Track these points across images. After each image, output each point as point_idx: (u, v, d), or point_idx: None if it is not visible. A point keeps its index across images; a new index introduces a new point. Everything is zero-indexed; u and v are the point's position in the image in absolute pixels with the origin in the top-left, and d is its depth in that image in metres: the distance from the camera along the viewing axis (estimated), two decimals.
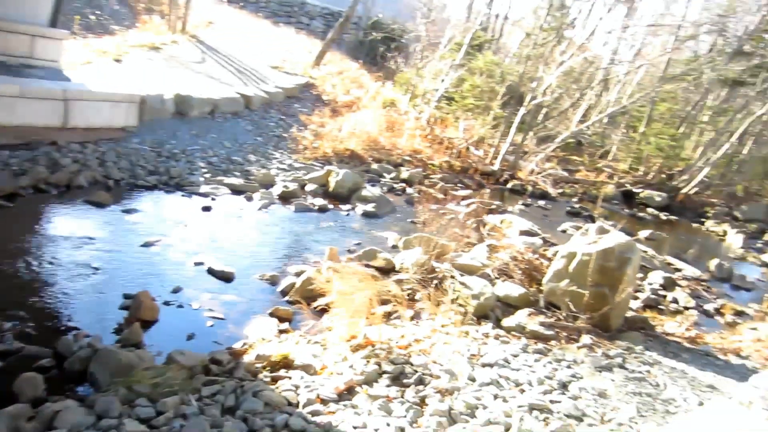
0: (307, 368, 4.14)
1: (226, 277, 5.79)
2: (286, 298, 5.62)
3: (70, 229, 6.08)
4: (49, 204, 6.69)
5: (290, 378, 3.98)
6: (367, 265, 6.48)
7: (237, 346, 4.50)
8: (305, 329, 4.95)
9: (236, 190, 8.62)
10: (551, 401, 3.83)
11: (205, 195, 8.12)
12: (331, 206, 9.07)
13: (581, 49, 17.49)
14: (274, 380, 3.95)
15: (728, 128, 20.41)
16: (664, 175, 19.75)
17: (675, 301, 7.32)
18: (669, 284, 7.93)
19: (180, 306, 5.06)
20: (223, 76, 14.25)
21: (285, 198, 8.86)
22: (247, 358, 4.24)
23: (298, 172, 10.29)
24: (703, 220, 16.73)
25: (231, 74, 14.76)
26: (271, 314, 5.19)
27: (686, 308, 7.15)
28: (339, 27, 19.51)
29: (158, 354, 4.18)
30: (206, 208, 7.69)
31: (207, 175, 8.79)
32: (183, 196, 7.99)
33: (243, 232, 7.23)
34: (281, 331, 4.90)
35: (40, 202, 6.69)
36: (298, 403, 3.62)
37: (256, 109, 13.08)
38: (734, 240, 14.61)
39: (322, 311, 5.25)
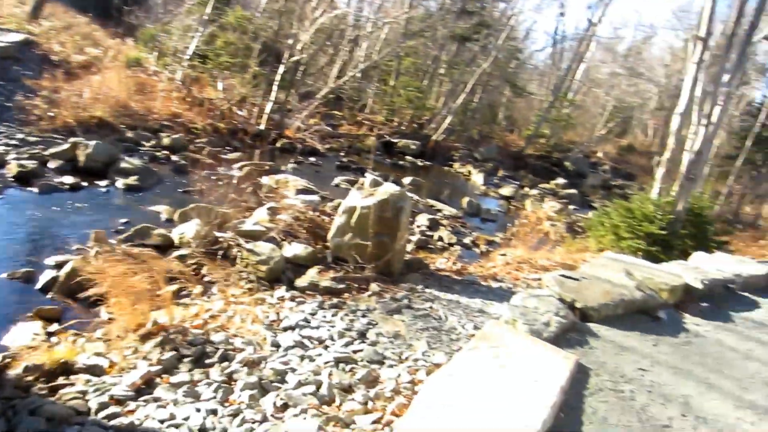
0: (92, 370, 3.69)
1: None
2: (49, 295, 4.92)
3: None
4: None
5: (74, 384, 3.51)
6: (142, 245, 5.95)
7: None
8: (81, 327, 4.39)
9: None
10: (354, 351, 4.03)
11: None
12: (85, 183, 8.03)
13: (331, 6, 17.93)
14: (54, 390, 3.45)
15: (462, 80, 23.15)
16: (415, 125, 21.69)
17: (441, 239, 8.25)
18: (434, 224, 8.88)
19: None
20: None
21: (23, 179, 7.57)
22: (13, 373, 3.61)
23: (34, 148, 8.80)
24: (451, 163, 18.95)
25: None
26: (34, 316, 4.49)
27: (450, 244, 8.11)
28: None
29: None
30: None
31: None
32: None
33: None
34: (50, 334, 4.28)
35: None
36: (90, 409, 3.23)
37: None
38: (477, 178, 16.89)
39: (98, 303, 4.69)
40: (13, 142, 8.84)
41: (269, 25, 18.85)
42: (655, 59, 36.61)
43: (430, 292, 5.26)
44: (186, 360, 3.79)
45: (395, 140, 19.06)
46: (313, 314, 4.65)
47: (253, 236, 6.14)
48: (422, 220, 8.90)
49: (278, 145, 14.34)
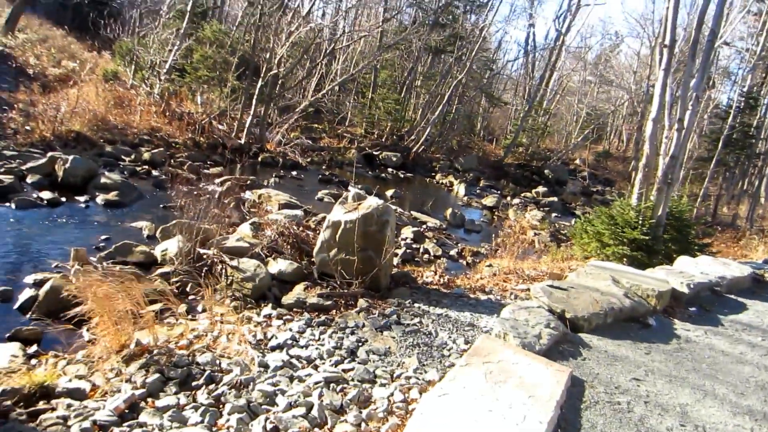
0: (74, 393, 3.57)
1: None
2: (29, 315, 4.77)
3: None
4: None
5: (55, 409, 3.39)
6: (124, 262, 5.83)
7: None
8: (61, 348, 4.25)
9: None
10: (344, 370, 3.94)
11: None
12: (63, 198, 7.88)
13: (306, 20, 17.95)
14: (34, 416, 3.32)
15: (438, 91, 23.29)
16: (395, 137, 21.72)
17: (426, 251, 8.18)
18: (419, 237, 8.81)
19: None
20: None
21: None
22: None
23: (11, 162, 8.64)
24: (432, 174, 18.97)
25: None
26: (12, 337, 4.35)
27: (436, 257, 8.05)
28: None
29: None
30: None
31: None
32: None
33: None
34: (30, 356, 4.14)
35: None
36: None
37: None
38: (459, 189, 16.91)
39: (79, 323, 4.55)
40: None
41: (246, 39, 18.78)
42: (624, 66, 37.37)
43: (418, 307, 5.20)
44: (171, 382, 3.68)
45: (376, 152, 19.05)
46: (301, 333, 4.55)
47: (237, 253, 6.05)
48: (407, 232, 8.84)
49: (259, 159, 14.22)
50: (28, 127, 10.18)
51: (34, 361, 4.07)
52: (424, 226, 10.11)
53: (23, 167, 8.42)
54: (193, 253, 5.95)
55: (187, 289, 5.37)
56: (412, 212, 11.34)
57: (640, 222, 8.28)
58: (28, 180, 8.11)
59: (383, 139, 21.03)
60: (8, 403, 3.43)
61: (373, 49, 22.96)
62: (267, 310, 5.04)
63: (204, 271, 5.65)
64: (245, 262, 5.68)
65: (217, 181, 10.29)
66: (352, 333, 4.58)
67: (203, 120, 14.68)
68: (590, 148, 33.17)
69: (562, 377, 3.49)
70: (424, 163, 19.86)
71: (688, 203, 10.37)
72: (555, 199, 18.84)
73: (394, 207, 10.72)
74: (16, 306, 4.87)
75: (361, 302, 5.22)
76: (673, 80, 9.07)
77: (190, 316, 4.88)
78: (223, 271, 5.61)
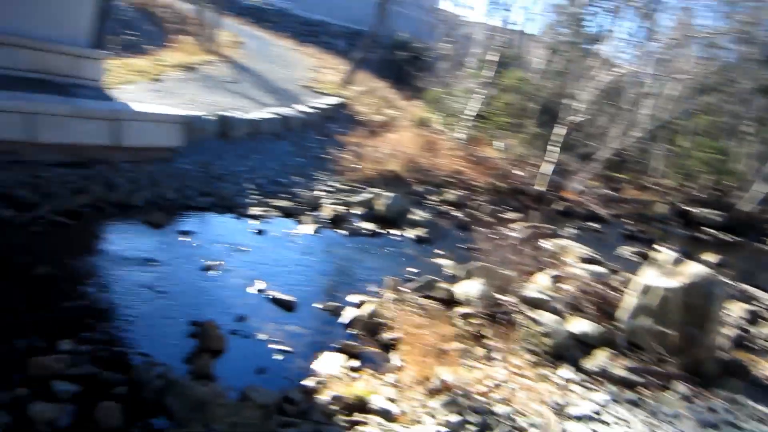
0: (384, 414, 3.84)
1: (287, 306, 5.60)
2: (351, 331, 5.34)
3: (131, 250, 6.08)
4: (108, 223, 6.78)
5: (368, 424, 3.69)
6: (427, 296, 6.16)
7: (308, 383, 4.22)
8: (375, 368, 4.62)
9: (285, 213, 8.50)
10: None
11: (255, 217, 8.01)
12: (381, 231, 8.85)
13: (611, 65, 17.09)
14: (352, 425, 3.68)
15: None
16: (717, 192, 18.89)
17: (765, 337, 6.63)
18: (754, 317, 7.23)
19: (246, 336, 4.86)
20: (258, 95, 14.23)
21: (334, 221, 8.69)
22: (321, 398, 3.97)
23: (342, 195, 10.09)
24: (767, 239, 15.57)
25: (266, 94, 14.73)
26: (338, 349, 4.88)
27: None
28: (366, 46, 19.70)
29: (229, 389, 3.95)
30: (259, 232, 7.60)
31: (256, 197, 8.68)
32: (234, 218, 7.92)
33: (298, 257, 7.09)
34: (350, 369, 4.58)
35: (99, 220, 6.77)
36: None
37: (295, 130, 12.99)
38: None
39: (390, 347, 4.97)
40: (328, 188, 10.27)
41: (548, 85, 18.75)
42: None
43: (759, 409, 4.25)
44: (469, 426, 3.69)
45: (691, 209, 16.80)
46: (604, 406, 4.16)
47: (535, 304, 5.86)
48: (738, 310, 7.30)
49: (558, 207, 13.83)
50: (356, 166, 11.73)
51: (354, 375, 4.48)
52: (760, 304, 8.32)
53: (352, 200, 9.72)
54: (491, 297, 5.96)
55: (484, 333, 5.37)
56: (743, 285, 9.44)
57: None
58: (354, 211, 9.31)
59: (700, 194, 18.45)
60: (334, 407, 3.87)
61: (688, 92, 20.49)
62: (566, 371, 4.72)
63: (502, 318, 5.60)
64: (543, 316, 5.46)
65: (516, 227, 10.26)
66: (669, 422, 3.96)
67: (503, 166, 15.02)
68: None
69: None
70: (757, 225, 16.53)
71: None
72: None
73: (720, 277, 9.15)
74: (342, 321, 5.50)
75: (679, 387, 4.51)
76: None
77: (486, 362, 4.85)
78: (521, 321, 5.47)
